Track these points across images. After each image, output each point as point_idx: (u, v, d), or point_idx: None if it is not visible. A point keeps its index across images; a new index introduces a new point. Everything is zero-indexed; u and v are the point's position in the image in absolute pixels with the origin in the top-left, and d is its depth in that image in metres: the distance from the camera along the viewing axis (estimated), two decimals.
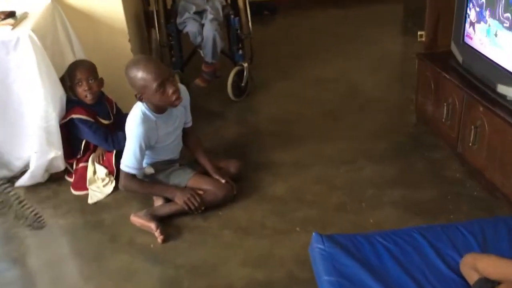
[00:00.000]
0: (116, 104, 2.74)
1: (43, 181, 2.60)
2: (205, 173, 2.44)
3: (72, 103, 2.52)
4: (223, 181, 2.35)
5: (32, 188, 2.58)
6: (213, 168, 2.41)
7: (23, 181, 2.56)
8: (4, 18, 2.39)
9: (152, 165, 2.38)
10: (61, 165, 2.56)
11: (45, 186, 2.61)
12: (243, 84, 3.35)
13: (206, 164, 2.43)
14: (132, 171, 2.24)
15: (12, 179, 2.62)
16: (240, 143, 2.88)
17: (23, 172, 2.60)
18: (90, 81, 2.55)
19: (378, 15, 4.70)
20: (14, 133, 2.51)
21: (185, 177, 2.35)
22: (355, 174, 2.53)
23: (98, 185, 2.52)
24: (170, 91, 2.13)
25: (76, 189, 2.53)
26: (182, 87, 2.34)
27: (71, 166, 2.60)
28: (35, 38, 2.29)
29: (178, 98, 2.18)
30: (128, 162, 2.22)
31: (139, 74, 2.12)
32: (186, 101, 2.38)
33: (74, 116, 2.48)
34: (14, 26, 2.33)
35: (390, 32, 4.37)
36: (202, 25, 3.16)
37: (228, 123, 3.12)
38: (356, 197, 2.36)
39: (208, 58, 3.20)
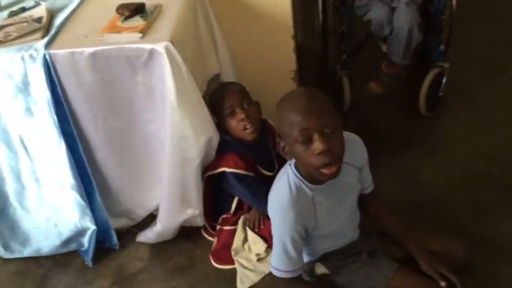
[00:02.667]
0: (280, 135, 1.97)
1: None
2: (408, 259, 1.61)
3: (223, 146, 1.77)
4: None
5: (158, 247, 1.94)
6: (427, 260, 1.55)
7: (146, 237, 1.94)
8: (130, 16, 1.66)
9: (323, 259, 1.59)
10: (199, 222, 1.88)
11: (176, 244, 1.96)
12: (440, 94, 2.43)
13: (412, 249, 1.58)
14: (288, 275, 1.46)
15: (132, 229, 2.01)
16: (447, 198, 2.00)
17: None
18: (246, 106, 1.79)
19: None
20: (138, 177, 1.86)
21: (382, 278, 1.51)
22: None
23: (250, 257, 1.81)
24: (317, 148, 1.29)
25: (218, 260, 1.85)
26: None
27: (213, 228, 1.91)
28: (175, 52, 1.55)
29: (330, 165, 1.31)
30: (280, 264, 1.45)
31: (284, 112, 1.34)
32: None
33: (227, 169, 1.74)
34: (144, 31, 1.60)
35: None
36: (392, 10, 2.25)
37: (419, 157, 2.23)
38: None
39: (397, 58, 2.32)
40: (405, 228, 1.60)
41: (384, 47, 2.42)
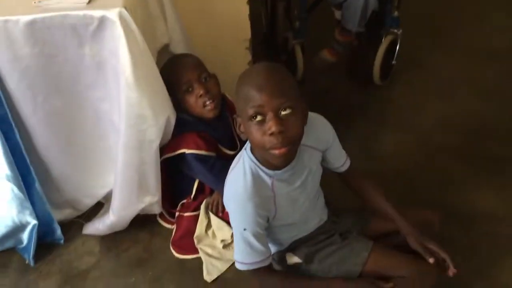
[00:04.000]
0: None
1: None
2: (382, 235, 1.57)
3: (180, 126, 1.62)
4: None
5: (109, 239, 1.78)
6: (415, 235, 1.43)
7: (95, 229, 1.76)
8: None
9: (293, 249, 1.49)
10: (155, 210, 1.74)
11: (130, 235, 1.80)
12: (394, 62, 2.41)
13: (401, 224, 1.45)
14: (256, 267, 1.34)
15: (78, 220, 1.83)
16: (410, 169, 1.98)
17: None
18: (204, 81, 1.65)
19: None
20: (85, 163, 1.68)
21: (357, 260, 1.43)
22: None
23: (215, 244, 1.70)
24: (269, 129, 1.18)
25: (179, 250, 1.72)
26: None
27: (172, 214, 1.77)
28: (130, 20, 1.37)
29: (280, 148, 1.21)
30: (245, 257, 1.32)
31: (241, 87, 1.22)
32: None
33: (187, 151, 1.59)
34: None
35: None
36: None
37: (377, 128, 2.20)
38: None
39: (352, 25, 2.25)
40: (391, 202, 1.49)
41: (337, 14, 2.33)
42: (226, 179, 1.36)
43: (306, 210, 1.44)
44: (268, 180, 1.30)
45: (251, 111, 1.18)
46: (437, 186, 1.90)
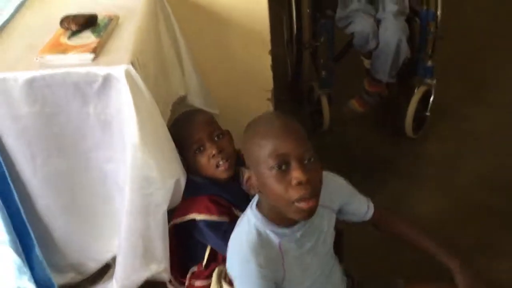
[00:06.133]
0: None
1: None
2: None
3: (191, 188, 1.50)
4: None
5: None
6: (469, 280, 1.27)
7: None
8: (78, 30, 1.36)
9: None
10: (164, 278, 1.60)
11: None
12: (427, 113, 2.26)
13: (452, 264, 1.30)
14: None
15: (81, 284, 1.70)
16: (444, 232, 1.81)
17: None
18: (217, 139, 1.53)
19: None
20: (89, 227, 1.56)
21: None
22: None
23: None
24: (296, 178, 1.08)
25: None
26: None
27: (182, 283, 1.63)
28: (138, 77, 1.27)
29: (308, 199, 1.10)
30: None
31: (255, 137, 1.15)
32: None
33: (197, 217, 1.47)
34: (96, 50, 1.30)
35: None
36: (378, 22, 2.05)
37: (408, 185, 2.05)
38: None
39: (382, 75, 2.13)
40: (430, 236, 1.36)
41: (367, 63, 2.21)
42: (231, 238, 1.24)
43: (318, 278, 1.30)
44: (275, 239, 1.19)
45: (273, 161, 1.09)
46: (479, 250, 1.75)
